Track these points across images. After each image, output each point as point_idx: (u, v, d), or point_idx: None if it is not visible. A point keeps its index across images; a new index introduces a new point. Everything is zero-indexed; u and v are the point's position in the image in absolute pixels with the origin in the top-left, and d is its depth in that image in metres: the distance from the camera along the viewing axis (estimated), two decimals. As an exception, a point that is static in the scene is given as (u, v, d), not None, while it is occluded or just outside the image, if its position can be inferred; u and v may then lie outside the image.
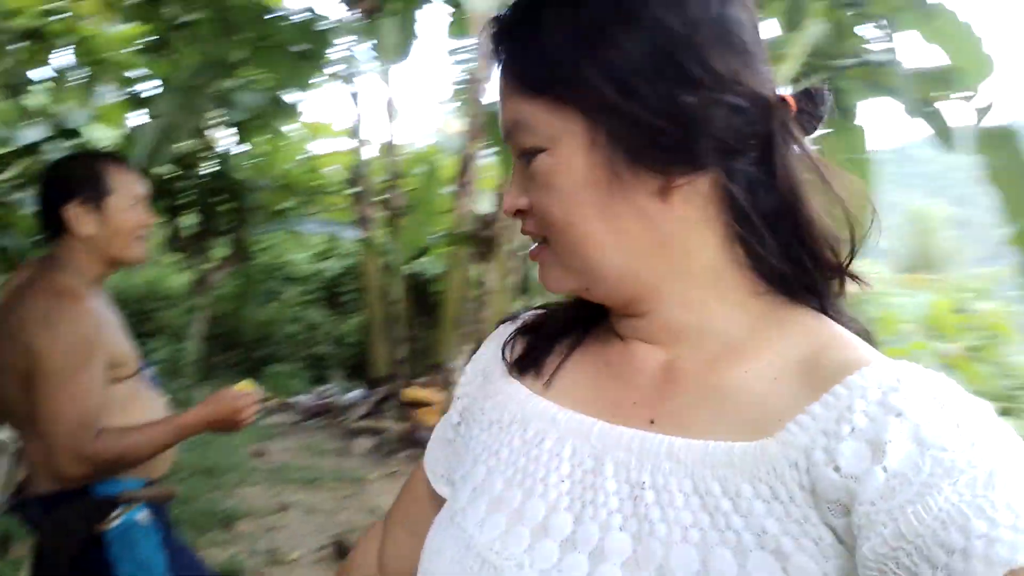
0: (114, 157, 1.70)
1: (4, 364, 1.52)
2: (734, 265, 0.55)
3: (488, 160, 6.12)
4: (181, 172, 6.26)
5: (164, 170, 5.86)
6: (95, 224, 1.57)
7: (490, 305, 4.39)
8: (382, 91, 7.03)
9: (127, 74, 5.69)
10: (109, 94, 6.09)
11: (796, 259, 0.54)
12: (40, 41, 5.15)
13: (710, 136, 0.51)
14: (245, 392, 1.66)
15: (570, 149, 0.53)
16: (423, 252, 5.45)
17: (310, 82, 5.25)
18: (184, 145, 5.71)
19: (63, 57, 5.46)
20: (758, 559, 0.46)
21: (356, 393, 6.28)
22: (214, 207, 6.42)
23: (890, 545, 0.42)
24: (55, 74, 5.56)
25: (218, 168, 6.31)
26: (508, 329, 0.68)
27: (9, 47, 5.08)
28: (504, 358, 0.65)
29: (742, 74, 0.52)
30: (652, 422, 0.54)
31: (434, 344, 6.06)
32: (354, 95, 6.28)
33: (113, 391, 1.52)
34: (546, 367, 0.62)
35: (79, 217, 1.56)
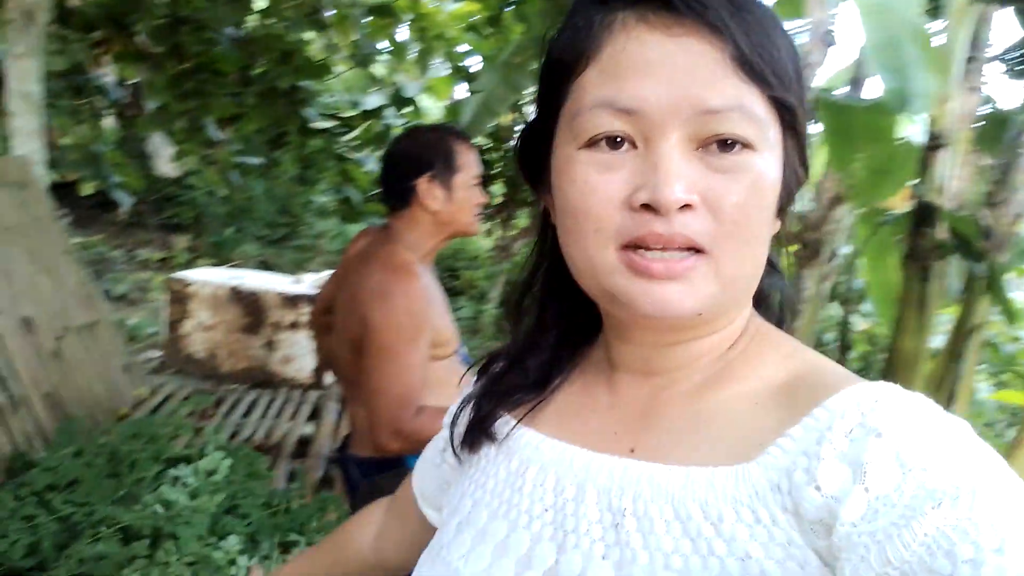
0: (461, 133, 1.68)
1: (341, 328, 1.58)
2: None
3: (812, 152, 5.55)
4: (493, 144, 6.54)
5: (478, 142, 6.17)
6: (442, 199, 1.57)
7: (804, 313, 3.98)
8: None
9: (456, 50, 6.05)
10: (440, 67, 6.53)
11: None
12: (386, 16, 5.62)
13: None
14: None
15: (772, 155, 0.50)
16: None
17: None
18: (500, 119, 5.95)
19: (405, 32, 5.94)
20: None
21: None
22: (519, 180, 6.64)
23: (876, 571, 0.39)
24: (393, 47, 6.06)
25: (528, 142, 6.52)
26: (494, 362, 0.67)
27: (361, 21, 5.60)
28: (493, 390, 0.65)
29: None
30: (632, 451, 0.54)
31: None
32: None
33: (432, 369, 1.50)
34: (533, 399, 0.62)
35: (430, 191, 1.56)
